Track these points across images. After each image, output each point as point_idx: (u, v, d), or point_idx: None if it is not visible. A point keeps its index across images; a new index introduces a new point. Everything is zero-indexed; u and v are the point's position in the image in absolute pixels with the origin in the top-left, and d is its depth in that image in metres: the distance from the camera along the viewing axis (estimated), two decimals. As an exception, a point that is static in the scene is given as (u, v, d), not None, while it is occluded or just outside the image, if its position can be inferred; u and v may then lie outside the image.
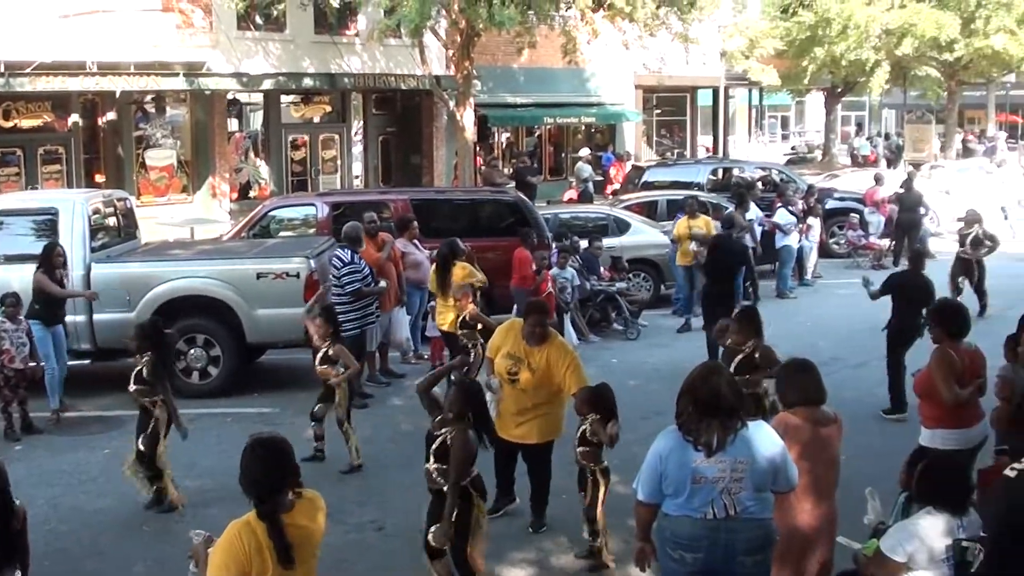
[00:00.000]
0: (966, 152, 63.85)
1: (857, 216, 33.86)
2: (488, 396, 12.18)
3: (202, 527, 8.02)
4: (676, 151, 60.46)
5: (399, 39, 38.86)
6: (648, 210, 30.64)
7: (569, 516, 12.67)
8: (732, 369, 12.37)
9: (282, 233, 24.32)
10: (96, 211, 19.85)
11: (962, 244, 24.23)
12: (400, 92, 44.55)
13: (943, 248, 30.52)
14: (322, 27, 39.97)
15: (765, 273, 28.68)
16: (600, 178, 47.14)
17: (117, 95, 34.46)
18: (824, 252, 32.56)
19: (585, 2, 35.65)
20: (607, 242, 26.13)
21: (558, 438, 12.70)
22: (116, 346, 18.49)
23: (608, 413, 11.54)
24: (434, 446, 10.30)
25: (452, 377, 14.13)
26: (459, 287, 17.43)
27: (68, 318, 18.34)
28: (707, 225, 24.77)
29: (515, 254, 21.71)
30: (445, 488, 10.17)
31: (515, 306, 21.02)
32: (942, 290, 20.53)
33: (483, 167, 42.45)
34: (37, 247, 18.23)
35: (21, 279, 17.83)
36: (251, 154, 42.36)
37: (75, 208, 19.04)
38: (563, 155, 54.55)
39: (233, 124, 41.36)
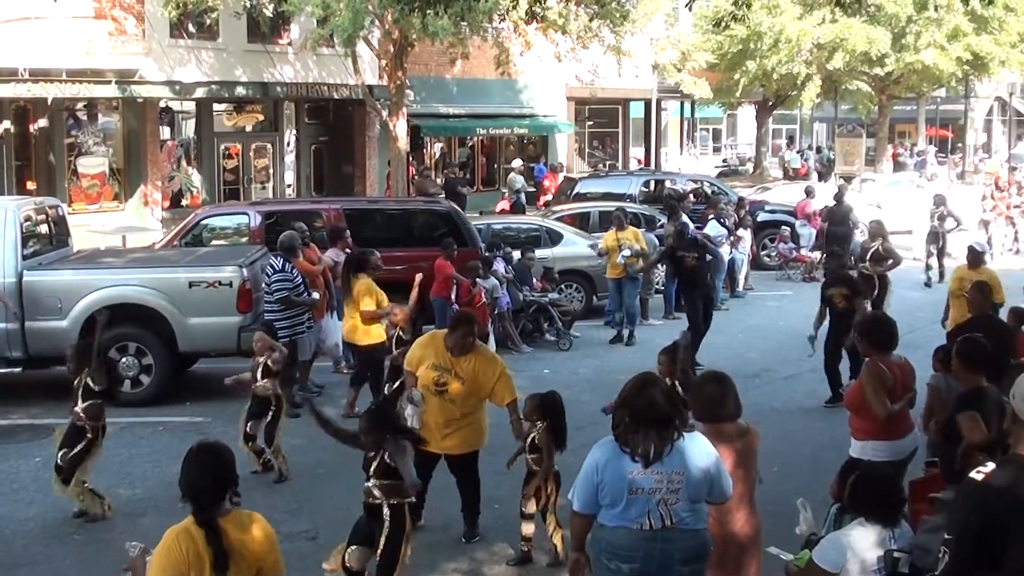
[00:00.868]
0: (896, 166, 64.43)
1: (788, 229, 34.09)
2: (409, 410, 12.24)
3: (134, 536, 8.01)
4: (608, 163, 60.58)
5: (332, 49, 38.89)
6: (580, 221, 30.73)
7: (501, 524, 12.74)
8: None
9: (214, 242, 24.19)
10: (28, 218, 19.63)
11: (863, 259, 24.18)
12: (333, 102, 44.52)
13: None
14: (255, 36, 39.90)
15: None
16: (532, 189, 47.22)
17: (49, 102, 34.28)
18: (756, 264, 32.81)
19: (518, 14, 35.75)
20: (539, 253, 26.23)
21: (482, 447, 12.75)
22: (48, 354, 18.47)
23: (556, 419, 11.67)
24: (373, 466, 10.14)
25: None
26: (388, 307, 17.51)
27: (-1, 325, 18.27)
28: (636, 237, 24.73)
29: (435, 264, 21.81)
30: (384, 504, 10.15)
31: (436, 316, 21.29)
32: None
33: (416, 177, 42.45)
34: (-32, 254, 18.13)
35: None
36: (183, 162, 42.17)
37: (6, 215, 18.81)
38: (496, 166, 54.55)
39: (165, 132, 41.13)
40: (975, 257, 18.60)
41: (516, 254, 25.22)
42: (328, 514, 13.49)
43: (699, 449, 8.19)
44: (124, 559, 7.45)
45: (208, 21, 38.61)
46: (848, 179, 47.61)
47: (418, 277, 18.65)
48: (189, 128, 43.00)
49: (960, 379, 10.67)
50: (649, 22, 42.01)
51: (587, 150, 62.28)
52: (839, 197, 32.39)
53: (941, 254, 31.90)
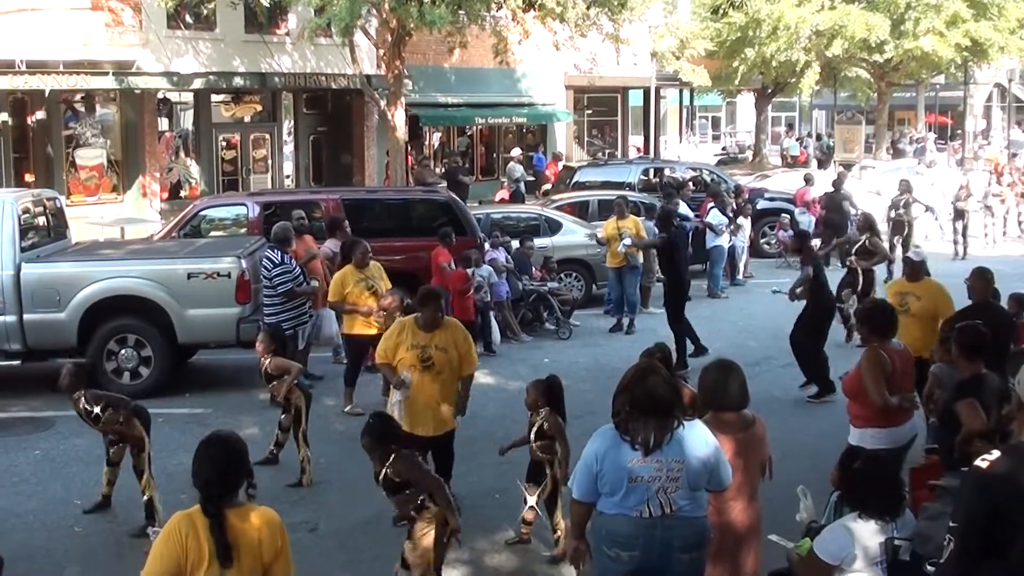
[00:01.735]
0: (896, 153, 64.35)
1: (788, 216, 34.06)
2: (396, 396, 12.40)
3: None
4: (607, 151, 60.52)
5: (330, 38, 38.84)
6: (579, 210, 30.72)
7: (502, 514, 12.72)
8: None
9: (213, 233, 24.18)
10: (26, 210, 19.59)
11: (850, 252, 23.92)
12: (331, 92, 44.50)
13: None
14: (252, 26, 39.83)
15: (697, 273, 28.90)
16: (532, 178, 47.19)
17: (46, 94, 34.24)
18: (755, 252, 32.84)
19: (516, 2, 35.70)
20: (539, 242, 26.21)
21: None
22: (46, 347, 18.45)
23: (558, 404, 11.73)
24: (380, 480, 9.89)
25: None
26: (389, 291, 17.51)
27: (-2, 318, 18.27)
28: (636, 225, 24.71)
29: (433, 254, 21.79)
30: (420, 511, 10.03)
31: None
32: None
33: (415, 167, 42.42)
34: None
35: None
36: (181, 153, 42.14)
37: (4, 208, 18.75)
38: (495, 155, 54.55)
39: (163, 123, 41.12)
40: (914, 269, 16.04)
41: (515, 243, 25.18)
42: (329, 505, 13.48)
43: (699, 438, 8.17)
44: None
45: (205, 12, 38.46)
46: (848, 166, 47.55)
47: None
48: (187, 119, 42.96)
49: (959, 366, 10.64)
50: (647, 10, 41.79)
51: (586, 139, 62.21)
52: (838, 184, 32.34)
53: (906, 244, 29.77)
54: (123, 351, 18.69)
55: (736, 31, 55.98)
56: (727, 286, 29.28)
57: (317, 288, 19.43)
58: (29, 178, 35.32)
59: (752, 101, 73.54)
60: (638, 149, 61.04)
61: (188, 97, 41.58)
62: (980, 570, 6.38)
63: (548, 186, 42.95)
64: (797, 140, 74.46)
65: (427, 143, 50.96)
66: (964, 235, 34.57)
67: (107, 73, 34.66)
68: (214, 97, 42.17)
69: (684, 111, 78.79)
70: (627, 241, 24.10)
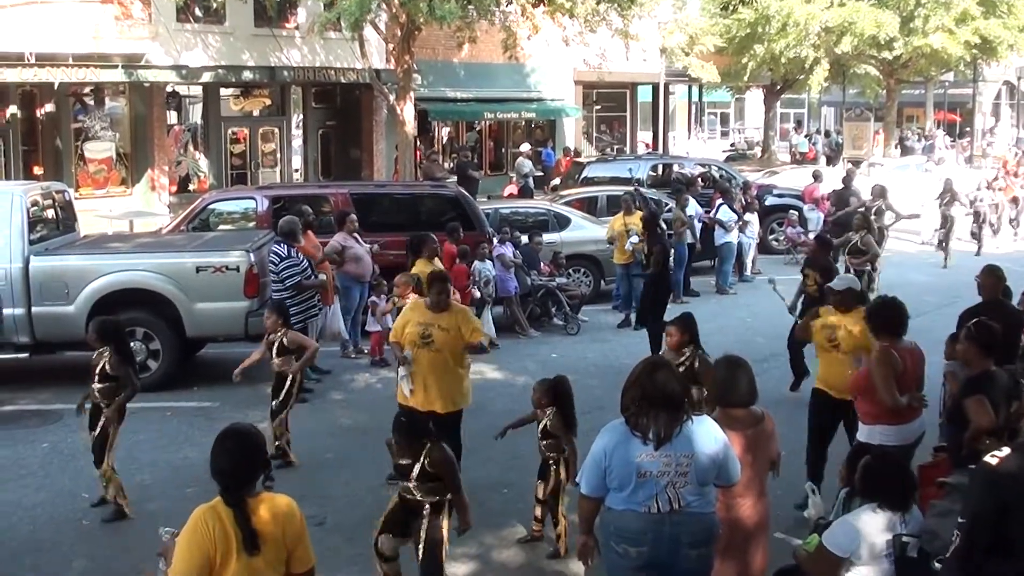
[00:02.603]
0: (904, 150, 64.30)
1: (796, 213, 34.02)
2: (402, 371, 12.71)
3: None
4: (616, 147, 60.45)
5: (339, 32, 38.73)
6: (588, 206, 30.69)
7: (510, 509, 12.72)
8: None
9: (222, 227, 24.21)
10: (34, 203, 19.59)
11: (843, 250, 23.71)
12: (340, 86, 44.40)
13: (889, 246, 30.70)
14: (262, 20, 39.77)
15: (705, 269, 28.89)
16: (540, 174, 47.13)
17: (55, 87, 34.19)
18: (763, 248, 32.78)
19: (525, -3, 35.74)
20: (547, 237, 26.19)
21: (467, 407, 13.12)
22: (55, 340, 18.47)
23: (565, 406, 11.70)
24: (414, 472, 9.96)
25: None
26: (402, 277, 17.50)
27: (6, 311, 18.26)
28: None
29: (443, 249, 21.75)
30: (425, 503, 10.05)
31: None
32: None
33: (423, 161, 42.40)
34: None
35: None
36: (190, 147, 42.10)
37: (13, 200, 18.78)
38: (503, 150, 54.44)
39: (172, 117, 41.02)
40: (843, 298, 13.29)
41: (524, 238, 25.15)
42: (335, 499, 13.49)
43: (708, 433, 8.19)
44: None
45: (215, 5, 38.40)
46: (856, 163, 47.51)
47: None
48: (196, 113, 42.92)
49: (971, 363, 10.59)
50: (657, 5, 41.80)
51: (595, 134, 62.13)
52: (847, 181, 32.29)
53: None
54: (132, 344, 18.64)
55: (745, 27, 56.05)
56: (735, 282, 29.25)
57: (325, 281, 19.47)
58: (38, 171, 35.27)
59: (761, 97, 73.59)
60: (647, 145, 60.96)
61: (197, 91, 41.51)
62: (988, 566, 6.39)
63: (557, 181, 42.93)
64: (806, 137, 74.32)
65: (436, 138, 50.91)
66: (980, 231, 34.52)
67: (116, 66, 34.62)
68: (223, 91, 42.09)
69: (693, 107, 78.67)
70: (634, 239, 24.07)
